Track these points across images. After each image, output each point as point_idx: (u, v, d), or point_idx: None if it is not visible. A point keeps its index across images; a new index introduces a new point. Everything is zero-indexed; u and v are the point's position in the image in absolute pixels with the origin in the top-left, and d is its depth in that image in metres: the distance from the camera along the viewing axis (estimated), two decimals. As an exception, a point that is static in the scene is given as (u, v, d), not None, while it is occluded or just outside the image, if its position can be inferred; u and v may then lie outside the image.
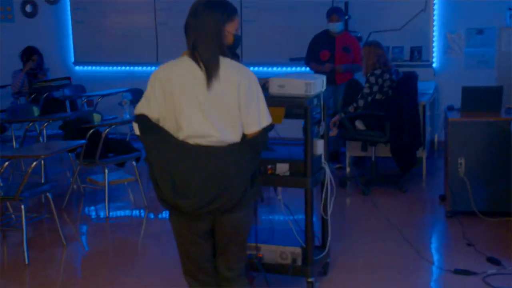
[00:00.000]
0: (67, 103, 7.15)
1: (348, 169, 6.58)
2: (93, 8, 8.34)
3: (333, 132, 6.02)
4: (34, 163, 4.15)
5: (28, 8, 8.52)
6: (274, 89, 3.74)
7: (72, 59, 8.50)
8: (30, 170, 4.10)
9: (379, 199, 5.65)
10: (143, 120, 2.65)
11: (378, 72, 5.87)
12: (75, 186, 5.76)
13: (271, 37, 7.85)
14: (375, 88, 5.84)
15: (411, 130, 5.85)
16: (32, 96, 7.26)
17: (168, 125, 2.66)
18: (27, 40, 8.20)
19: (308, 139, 3.74)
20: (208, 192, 2.61)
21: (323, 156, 3.97)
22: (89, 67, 8.38)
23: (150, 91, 2.68)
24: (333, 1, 7.59)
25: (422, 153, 6.25)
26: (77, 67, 8.50)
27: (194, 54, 2.64)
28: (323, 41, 6.75)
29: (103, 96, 7.02)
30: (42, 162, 5.02)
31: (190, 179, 2.60)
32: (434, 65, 7.49)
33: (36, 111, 5.82)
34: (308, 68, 7.02)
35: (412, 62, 7.45)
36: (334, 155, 6.75)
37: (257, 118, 2.71)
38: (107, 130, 5.10)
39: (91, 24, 8.36)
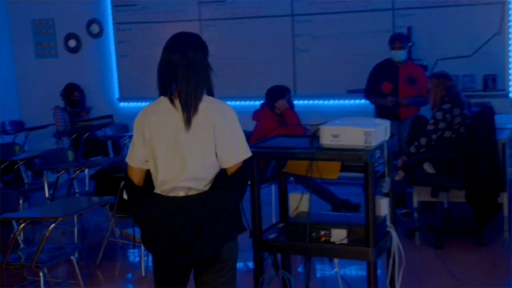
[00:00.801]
0: (109, 143, 6.69)
1: (416, 215, 5.81)
2: (137, 41, 7.93)
3: (398, 176, 5.30)
4: (52, 226, 3.62)
5: (72, 43, 8.18)
6: (326, 140, 3.10)
7: (117, 95, 8.09)
8: (47, 234, 3.58)
9: (453, 254, 4.88)
10: (126, 185, 2.71)
11: (446, 106, 5.14)
12: (111, 239, 5.23)
13: (327, 67, 7.22)
14: (442, 125, 5.10)
15: (489, 173, 5.07)
16: (73, 136, 6.85)
17: (151, 169, 2.64)
18: (71, 76, 7.88)
19: (369, 199, 3.07)
20: (172, 248, 2.55)
21: (388, 218, 3.29)
22: (135, 103, 7.94)
23: (134, 137, 2.68)
24: (395, 26, 6.91)
25: (503, 199, 5.41)
26: (122, 103, 8.08)
27: (173, 94, 2.57)
28: (384, 72, 6.07)
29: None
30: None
31: (159, 234, 2.57)
32: (511, 95, 6.66)
33: (70, 155, 5.36)
34: (367, 101, 6.34)
35: (486, 92, 6.66)
36: (399, 199, 6.00)
37: (235, 151, 2.59)
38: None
39: (136, 58, 7.95)
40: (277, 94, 5.79)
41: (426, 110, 5.97)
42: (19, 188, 5.41)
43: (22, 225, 3.68)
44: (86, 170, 5.30)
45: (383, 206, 3.26)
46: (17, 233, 3.69)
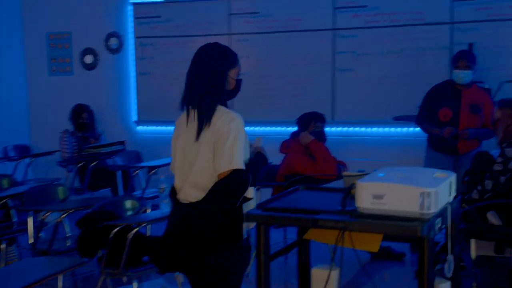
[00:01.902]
0: (118, 175, 5.86)
1: (473, 271, 4.77)
2: (160, 57, 7.12)
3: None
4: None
5: (88, 59, 7.42)
6: (365, 202, 2.18)
7: (135, 117, 7.27)
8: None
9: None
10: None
11: None
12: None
13: (371, 89, 6.26)
14: (513, 165, 4.10)
15: None
16: (80, 165, 6.04)
17: None
18: (85, 96, 7.11)
19: (425, 286, 2.13)
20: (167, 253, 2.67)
21: (451, 310, 2.33)
22: (154, 127, 7.11)
23: None
24: (453, 43, 5.91)
25: None
26: (139, 127, 7.26)
27: (191, 102, 2.66)
28: (444, 96, 5.05)
29: (153, 168, 5.53)
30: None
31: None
32: None
33: (61, 192, 4.51)
34: (417, 130, 5.34)
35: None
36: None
37: (224, 158, 2.54)
38: (137, 229, 3.69)
39: (158, 76, 7.13)
40: (303, 123, 4.90)
41: (489, 144, 4.97)
42: (6, 229, 4.60)
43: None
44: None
45: (445, 294, 2.31)
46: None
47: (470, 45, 5.67)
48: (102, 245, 3.74)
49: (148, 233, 4.29)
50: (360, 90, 6.28)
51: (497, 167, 4.16)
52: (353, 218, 2.17)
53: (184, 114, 2.68)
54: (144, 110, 7.18)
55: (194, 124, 2.61)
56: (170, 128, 6.94)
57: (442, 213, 2.18)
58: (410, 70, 6.09)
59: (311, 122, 4.95)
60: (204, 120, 2.57)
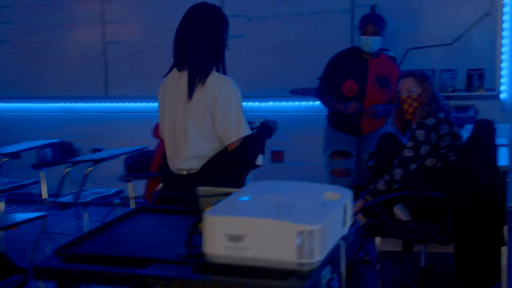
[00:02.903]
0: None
1: (379, 266, 4.18)
2: (22, 23, 6.06)
3: (360, 221, 3.66)
4: None
5: None
6: (216, 245, 1.42)
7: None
8: None
9: None
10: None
11: (431, 122, 3.53)
12: None
13: (264, 59, 5.49)
14: (424, 150, 3.50)
15: (490, 220, 3.47)
16: None
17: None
18: None
19: None
20: None
21: None
22: (16, 104, 6.10)
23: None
24: (354, 5, 5.24)
25: (503, 253, 3.79)
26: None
27: (182, 63, 2.58)
28: (349, 65, 4.35)
29: (8, 155, 4.60)
30: None
31: None
32: (502, 95, 5.09)
33: None
34: (319, 104, 4.64)
35: (470, 92, 5.07)
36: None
37: (238, 128, 2.54)
38: None
39: (20, 45, 6.08)
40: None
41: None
42: None
43: None
44: None
45: None
46: None
47: (373, 7, 5.01)
48: None
49: None
50: (252, 59, 5.51)
51: (407, 153, 3.53)
52: (195, 274, 1.40)
53: (171, 76, 2.62)
54: (3, 85, 6.13)
55: (184, 87, 2.54)
56: (33, 105, 6.15)
57: (332, 258, 1.46)
58: (308, 36, 5.38)
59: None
60: (197, 79, 2.50)
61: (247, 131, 2.56)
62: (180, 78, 2.57)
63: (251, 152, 2.59)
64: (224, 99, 2.51)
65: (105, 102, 5.93)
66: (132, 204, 4.42)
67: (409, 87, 3.64)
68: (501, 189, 3.60)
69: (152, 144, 4.36)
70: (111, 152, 4.48)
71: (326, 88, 4.43)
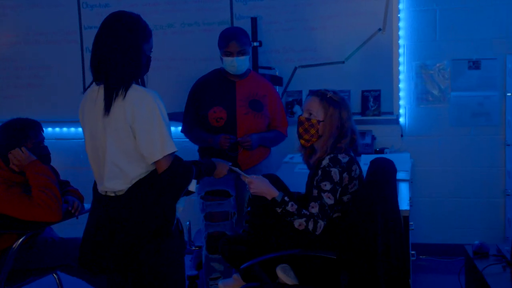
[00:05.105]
0: None
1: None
2: None
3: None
4: None
5: None
6: None
7: None
8: None
9: None
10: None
11: (345, 159, 2.84)
12: None
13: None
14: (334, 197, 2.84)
15: (393, 281, 2.83)
16: None
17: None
18: None
19: None
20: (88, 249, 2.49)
21: None
22: None
23: None
24: (234, 16, 4.56)
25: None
26: None
27: (100, 77, 2.44)
28: (214, 91, 3.65)
29: None
30: None
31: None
32: (401, 119, 4.55)
33: None
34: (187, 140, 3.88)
35: (366, 116, 4.50)
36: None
37: (161, 144, 2.37)
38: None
39: None
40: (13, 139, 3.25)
41: (279, 150, 3.70)
42: None
43: None
44: None
45: None
46: None
47: (253, 20, 4.33)
48: None
49: None
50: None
51: (328, 200, 2.82)
52: None
53: (90, 91, 2.49)
54: None
55: (102, 102, 2.40)
56: None
57: None
58: (180, 53, 4.64)
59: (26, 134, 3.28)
60: (114, 92, 2.36)
61: (172, 148, 2.40)
62: (98, 93, 2.44)
63: (183, 176, 2.46)
64: (145, 114, 2.36)
65: None
66: None
67: (310, 109, 2.94)
68: (404, 239, 2.98)
69: None
70: None
71: (192, 120, 3.69)
